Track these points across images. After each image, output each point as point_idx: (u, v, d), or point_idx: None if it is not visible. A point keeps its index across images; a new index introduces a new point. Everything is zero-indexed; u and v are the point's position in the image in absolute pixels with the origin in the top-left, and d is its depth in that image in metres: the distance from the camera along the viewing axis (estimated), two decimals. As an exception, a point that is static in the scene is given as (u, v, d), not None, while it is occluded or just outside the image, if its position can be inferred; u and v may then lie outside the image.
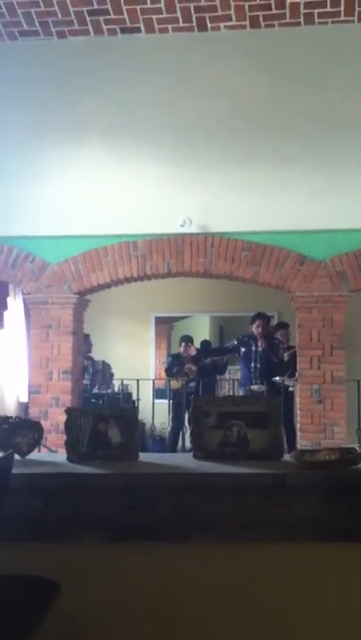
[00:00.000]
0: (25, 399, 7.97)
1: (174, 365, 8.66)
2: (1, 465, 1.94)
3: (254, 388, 7.51)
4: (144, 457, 2.50)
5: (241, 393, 7.75)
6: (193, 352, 8.53)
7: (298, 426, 6.92)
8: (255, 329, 7.72)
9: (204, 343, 9.43)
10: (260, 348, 7.65)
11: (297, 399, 7.04)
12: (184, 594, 2.20)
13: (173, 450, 8.06)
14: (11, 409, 8.22)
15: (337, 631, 2.17)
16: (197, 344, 9.20)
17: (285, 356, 7.75)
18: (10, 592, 1.93)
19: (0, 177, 7.13)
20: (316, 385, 6.78)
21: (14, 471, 2.03)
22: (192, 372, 8.47)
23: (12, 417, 2.48)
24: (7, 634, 1.74)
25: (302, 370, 6.86)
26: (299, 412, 6.90)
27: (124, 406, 7.33)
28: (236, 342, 7.97)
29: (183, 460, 2.52)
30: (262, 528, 2.18)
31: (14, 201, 7.10)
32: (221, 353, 8.58)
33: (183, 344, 8.78)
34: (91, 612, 2.18)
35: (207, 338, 10.21)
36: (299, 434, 6.87)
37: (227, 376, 9.12)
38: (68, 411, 2.48)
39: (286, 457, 2.41)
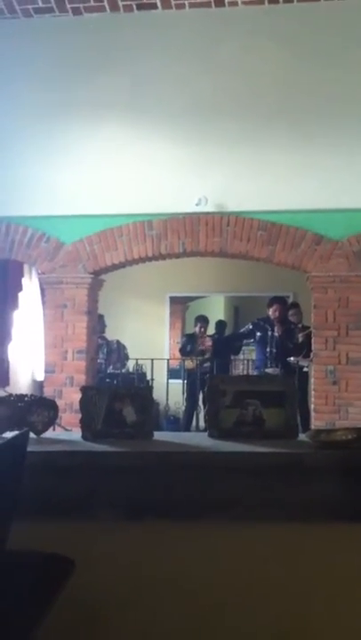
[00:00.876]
0: (41, 378, 8.00)
1: (188, 344, 8.66)
2: (16, 443, 1.93)
3: (269, 370, 7.49)
4: (159, 436, 2.49)
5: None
6: (208, 343, 8.48)
7: (312, 406, 6.90)
8: (272, 313, 7.67)
9: (220, 323, 9.41)
10: (276, 333, 7.61)
11: (312, 380, 7.01)
12: (199, 572, 2.20)
13: (187, 429, 8.10)
14: (24, 388, 8.26)
15: (355, 612, 2.16)
16: (212, 324, 9.20)
17: (300, 337, 7.72)
18: (25, 568, 1.94)
19: (15, 157, 7.10)
20: (331, 366, 6.75)
21: (29, 449, 2.03)
22: (207, 348, 8.45)
23: (27, 395, 2.48)
24: (22, 610, 1.75)
25: (317, 350, 6.83)
26: (313, 392, 6.88)
27: (139, 385, 7.35)
28: (251, 326, 7.92)
29: (198, 438, 2.52)
30: (278, 508, 2.17)
31: (29, 181, 7.07)
32: (237, 339, 8.53)
33: (199, 325, 8.76)
34: (105, 589, 2.19)
35: (222, 318, 10.20)
36: (313, 414, 6.86)
37: (241, 356, 9.11)
38: (84, 389, 2.48)
39: (301, 436, 2.39)
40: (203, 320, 8.82)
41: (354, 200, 6.73)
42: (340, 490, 2.15)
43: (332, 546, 2.17)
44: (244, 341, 8.43)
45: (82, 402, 2.44)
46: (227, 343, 8.56)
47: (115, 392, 2.48)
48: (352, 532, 2.16)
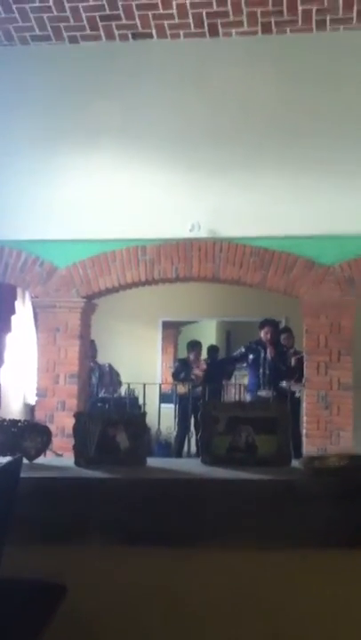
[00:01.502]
0: (32, 402, 7.97)
1: (181, 371, 8.65)
2: (10, 469, 1.94)
3: (262, 394, 7.50)
4: (151, 462, 2.50)
5: (248, 399, 7.74)
6: (204, 366, 8.47)
7: (304, 431, 6.90)
8: (264, 335, 7.72)
9: (212, 348, 9.41)
10: (268, 355, 7.64)
11: (303, 405, 7.02)
12: (192, 600, 2.20)
13: (179, 455, 8.06)
14: (16, 412, 8.22)
15: (351, 639, 2.16)
16: (205, 348, 9.19)
17: (293, 361, 7.74)
18: (17, 595, 1.93)
19: (10, 181, 7.15)
20: (323, 391, 6.77)
21: (23, 475, 2.03)
22: (199, 377, 8.45)
23: (20, 420, 2.49)
24: (14, 637, 1.74)
25: (309, 375, 6.84)
26: (305, 417, 6.88)
27: (132, 411, 7.33)
28: (244, 350, 7.96)
29: (191, 465, 2.52)
30: (272, 535, 2.17)
31: (24, 205, 7.12)
32: (231, 363, 8.53)
33: (193, 352, 8.73)
34: (98, 616, 2.18)
35: (214, 342, 10.21)
36: (305, 439, 6.85)
37: (233, 381, 9.11)
38: (77, 415, 2.48)
39: (295, 463, 2.40)
40: (196, 345, 8.82)
41: (346, 226, 6.80)
42: (334, 516, 2.15)
43: (327, 572, 2.17)
44: (238, 365, 8.44)
45: (75, 428, 2.44)
46: (220, 367, 8.56)
47: (108, 418, 2.49)
48: (347, 558, 2.16)
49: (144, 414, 2.63)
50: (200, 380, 8.38)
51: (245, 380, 8.62)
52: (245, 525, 2.17)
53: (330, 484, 2.17)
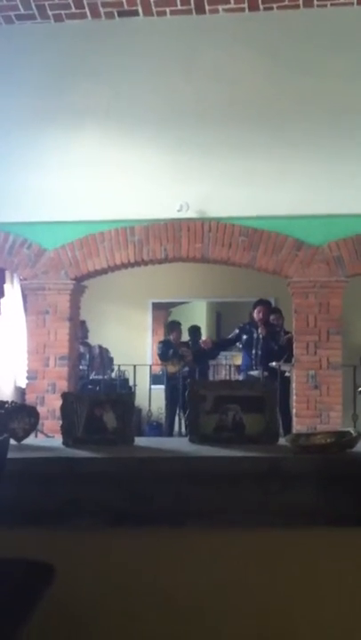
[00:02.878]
0: (23, 385, 7.97)
1: (167, 350, 8.65)
2: (-4, 449, 1.94)
3: (253, 373, 7.52)
4: (140, 441, 2.50)
5: (241, 379, 7.76)
6: (189, 356, 8.40)
7: (294, 411, 6.94)
8: (256, 314, 7.76)
9: (193, 329, 9.37)
10: (260, 335, 7.67)
11: (293, 384, 7.05)
12: (180, 579, 2.21)
13: (170, 435, 8.08)
14: (7, 394, 8.22)
15: (334, 616, 2.18)
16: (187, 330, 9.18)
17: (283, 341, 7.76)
18: (5, 576, 1.94)
19: (-4, 163, 7.10)
20: (313, 370, 6.80)
21: (10, 456, 2.03)
22: (187, 354, 8.44)
23: (7, 402, 2.48)
24: (3, 617, 1.74)
25: (298, 355, 6.87)
26: (295, 397, 6.92)
27: (120, 391, 7.34)
28: (237, 331, 7.98)
29: (179, 444, 2.53)
30: (258, 513, 2.18)
31: (10, 187, 7.07)
32: (226, 345, 8.53)
33: (174, 334, 8.75)
34: (86, 597, 2.19)
35: (204, 323, 10.21)
36: (295, 419, 6.90)
37: (223, 361, 9.13)
38: (64, 395, 2.48)
39: (282, 441, 2.41)
40: (176, 326, 8.82)
41: (334, 206, 6.80)
42: (320, 494, 2.17)
43: (313, 550, 2.19)
44: (236, 345, 8.44)
45: (62, 408, 2.44)
46: (215, 350, 8.52)
47: (95, 398, 2.49)
48: (332, 536, 2.18)
49: (131, 393, 2.63)
50: (189, 356, 8.38)
51: (236, 361, 8.64)
52: (232, 504, 2.19)
53: (316, 462, 2.18)
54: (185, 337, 9.10)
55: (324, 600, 2.18)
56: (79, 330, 7.64)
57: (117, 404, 2.46)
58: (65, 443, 2.42)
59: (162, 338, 10.06)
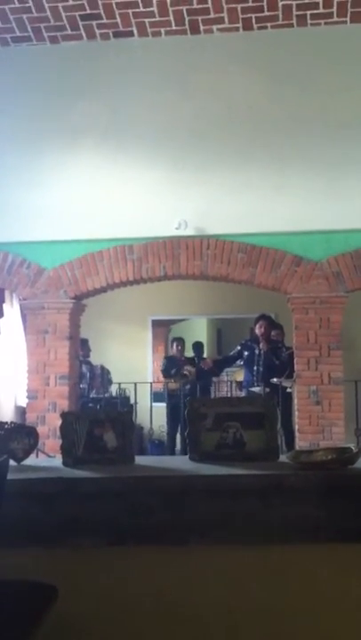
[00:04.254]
0: (24, 404, 7.95)
1: (171, 367, 8.64)
2: (-4, 470, 1.93)
3: (254, 390, 7.50)
4: (140, 460, 2.50)
5: (243, 395, 7.73)
6: (210, 364, 8.31)
7: (296, 427, 6.91)
8: (258, 330, 7.72)
9: (197, 345, 9.39)
10: (262, 350, 7.64)
11: (295, 400, 7.03)
12: (183, 597, 2.19)
13: (172, 453, 8.04)
14: (8, 414, 8.20)
15: (337, 632, 2.16)
16: (191, 346, 9.20)
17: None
18: (7, 597, 1.92)
19: (-6, 183, 7.13)
20: (314, 386, 6.77)
21: (10, 477, 2.02)
22: (191, 373, 8.43)
23: (7, 422, 2.47)
24: (5, 638, 1.73)
25: (300, 371, 6.85)
26: (297, 413, 6.89)
27: (120, 410, 7.31)
28: (239, 347, 7.95)
29: (179, 462, 2.52)
30: (259, 530, 2.17)
31: (9, 207, 7.09)
32: (228, 363, 8.47)
33: (175, 344, 8.78)
34: (89, 616, 2.18)
35: (205, 340, 10.21)
36: (297, 435, 6.86)
37: (225, 378, 9.10)
38: (64, 415, 2.48)
39: (283, 458, 2.40)
40: (179, 341, 8.85)
41: (332, 221, 6.81)
42: (321, 510, 2.15)
43: (315, 566, 2.17)
44: (237, 363, 8.40)
45: (62, 428, 2.44)
46: (219, 367, 8.48)
47: (95, 417, 2.48)
48: (334, 551, 2.17)
49: (131, 411, 2.62)
50: (192, 376, 8.37)
51: (238, 377, 8.61)
52: (234, 522, 2.17)
53: (316, 478, 2.16)
54: (189, 353, 9.10)
55: (327, 615, 2.16)
56: (80, 348, 7.63)
57: (117, 422, 2.46)
58: (65, 463, 2.41)
59: (162, 355, 10.06)
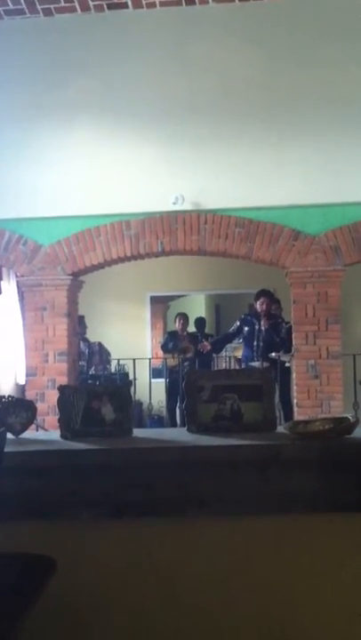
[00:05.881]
0: (23, 381, 7.97)
1: (170, 341, 8.65)
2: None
3: (253, 364, 7.50)
4: (138, 433, 2.50)
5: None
6: (208, 348, 8.25)
7: (295, 401, 6.93)
8: (259, 306, 7.66)
9: (199, 320, 9.40)
10: (263, 327, 7.61)
11: (293, 375, 7.04)
12: (181, 569, 2.21)
13: (173, 426, 8.07)
14: (7, 391, 8.21)
15: (335, 602, 2.18)
16: (192, 322, 9.22)
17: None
18: (6, 569, 1.93)
19: (-11, 160, 7.07)
20: (312, 360, 6.79)
21: (8, 450, 2.03)
22: (189, 349, 8.44)
23: (4, 396, 2.47)
24: (3, 610, 1.74)
25: (298, 345, 6.86)
26: (295, 387, 6.91)
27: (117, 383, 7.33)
28: (238, 323, 7.87)
29: (177, 434, 2.52)
30: (257, 501, 2.18)
31: (4, 184, 7.04)
32: (228, 340, 8.43)
33: (179, 319, 8.77)
34: (88, 589, 2.19)
35: (204, 316, 10.21)
36: (296, 409, 6.89)
37: (224, 353, 9.11)
38: (61, 388, 2.48)
39: (280, 428, 2.41)
40: (182, 316, 8.83)
41: (330, 195, 6.78)
42: (319, 480, 2.16)
43: (313, 536, 2.19)
44: (236, 339, 8.38)
45: (60, 401, 2.44)
46: (219, 347, 8.44)
47: (93, 391, 2.48)
48: (332, 521, 2.18)
49: (128, 385, 2.62)
50: (191, 352, 8.37)
51: (237, 353, 8.62)
52: (232, 492, 2.18)
53: (314, 448, 2.17)
54: (192, 328, 9.11)
55: (326, 585, 2.18)
56: (78, 325, 7.63)
57: (115, 395, 2.46)
58: (63, 436, 2.41)
59: (161, 331, 10.08)
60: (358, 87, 6.81)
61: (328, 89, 6.82)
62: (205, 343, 8.27)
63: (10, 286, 8.46)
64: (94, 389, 2.53)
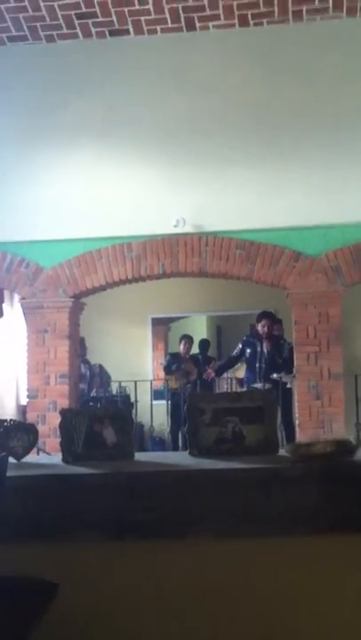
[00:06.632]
0: (25, 403, 7.97)
1: (172, 363, 8.63)
2: (-5, 467, 1.93)
3: (255, 386, 7.47)
4: (140, 456, 2.50)
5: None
6: (212, 375, 8.22)
7: (296, 422, 6.91)
8: (260, 328, 7.61)
9: (203, 342, 9.40)
10: (265, 349, 7.57)
11: (295, 395, 7.03)
12: (183, 591, 2.20)
13: (175, 450, 8.03)
14: (10, 413, 8.20)
15: (337, 622, 2.17)
16: (196, 343, 9.21)
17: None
18: (8, 593, 1.93)
19: (-9, 183, 7.13)
20: (314, 381, 6.78)
21: (9, 474, 2.03)
22: (191, 371, 8.43)
23: (6, 420, 2.48)
24: (6, 635, 1.74)
25: (299, 366, 6.85)
26: (297, 408, 6.89)
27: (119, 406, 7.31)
28: (241, 345, 7.81)
29: (179, 457, 2.53)
30: (260, 522, 2.18)
31: (7, 206, 7.09)
32: (232, 364, 8.37)
33: (184, 342, 8.74)
34: (90, 611, 2.18)
35: (205, 337, 10.20)
36: (298, 430, 6.87)
37: (225, 374, 9.09)
38: (63, 412, 2.48)
39: (282, 451, 2.41)
40: (187, 338, 8.82)
41: (330, 216, 6.81)
42: (321, 502, 2.16)
43: (315, 557, 2.18)
44: (238, 363, 8.31)
45: (61, 425, 2.44)
46: (223, 370, 8.39)
47: (94, 414, 2.49)
48: (334, 542, 2.17)
49: (129, 408, 2.63)
50: (194, 374, 8.35)
51: (238, 373, 8.59)
52: (234, 515, 2.18)
53: (315, 471, 2.17)
54: (195, 350, 9.10)
55: (327, 605, 2.17)
56: (79, 347, 7.63)
57: (116, 418, 2.46)
58: (64, 459, 2.41)
59: (162, 353, 10.06)
60: (358, 107, 6.87)
61: (327, 110, 6.89)
62: (210, 371, 8.23)
63: (12, 309, 8.48)
64: (96, 412, 2.53)
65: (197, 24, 6.92)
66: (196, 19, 6.85)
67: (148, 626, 2.18)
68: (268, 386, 7.22)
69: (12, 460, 2.33)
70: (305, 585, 2.17)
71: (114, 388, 8.67)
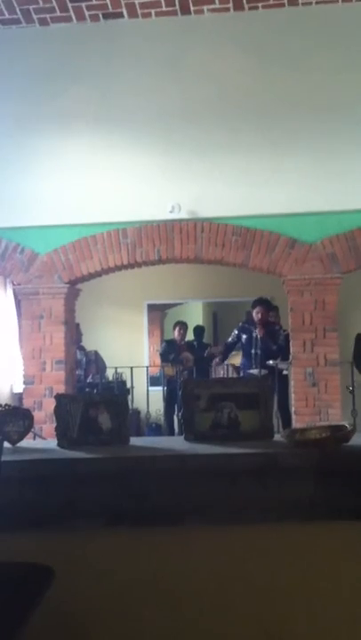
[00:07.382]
0: (20, 390, 7.95)
1: (169, 351, 8.62)
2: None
3: (251, 372, 7.49)
4: (135, 441, 2.50)
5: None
6: (218, 361, 8.24)
7: (293, 409, 6.93)
8: (255, 315, 7.66)
9: (198, 329, 9.39)
10: (259, 336, 7.60)
11: (291, 382, 7.04)
12: (179, 578, 2.20)
13: (171, 435, 8.04)
14: (4, 400, 8.19)
15: (332, 610, 2.17)
16: (191, 330, 9.19)
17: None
18: (4, 579, 1.93)
19: (-14, 169, 7.08)
20: (310, 368, 6.78)
21: (5, 459, 2.02)
22: (188, 360, 8.42)
23: (1, 405, 2.47)
24: (2, 620, 1.74)
25: (296, 353, 6.85)
26: (293, 395, 6.90)
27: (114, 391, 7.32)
28: (236, 331, 7.86)
29: (174, 442, 2.52)
30: (255, 509, 2.18)
31: (1, 192, 7.05)
32: (230, 350, 8.39)
33: (178, 328, 8.73)
34: (86, 597, 2.18)
35: (201, 324, 10.19)
36: (294, 417, 6.88)
37: (221, 361, 9.08)
38: (58, 397, 2.47)
39: (277, 437, 2.40)
40: (181, 325, 8.81)
41: (326, 203, 6.79)
42: (316, 488, 2.16)
43: (309, 544, 2.18)
44: (234, 350, 8.32)
45: (56, 410, 2.43)
46: (226, 355, 8.39)
47: (89, 399, 2.48)
48: (328, 529, 2.17)
49: (125, 393, 2.62)
50: (190, 363, 8.35)
51: (234, 360, 8.59)
52: (229, 500, 2.18)
53: (310, 456, 2.17)
54: (190, 336, 9.08)
55: (322, 593, 2.17)
56: (74, 333, 7.62)
57: (112, 404, 2.45)
58: (60, 444, 2.41)
59: (158, 339, 10.05)
60: (354, 95, 6.84)
61: (323, 96, 6.84)
62: (218, 360, 8.22)
63: (6, 295, 8.45)
64: (91, 398, 2.52)
65: (192, 8, 6.86)
66: (190, 2, 6.78)
67: (145, 612, 2.18)
68: (264, 372, 7.23)
69: (7, 444, 2.32)
70: (301, 571, 2.17)
71: (110, 374, 8.67)
